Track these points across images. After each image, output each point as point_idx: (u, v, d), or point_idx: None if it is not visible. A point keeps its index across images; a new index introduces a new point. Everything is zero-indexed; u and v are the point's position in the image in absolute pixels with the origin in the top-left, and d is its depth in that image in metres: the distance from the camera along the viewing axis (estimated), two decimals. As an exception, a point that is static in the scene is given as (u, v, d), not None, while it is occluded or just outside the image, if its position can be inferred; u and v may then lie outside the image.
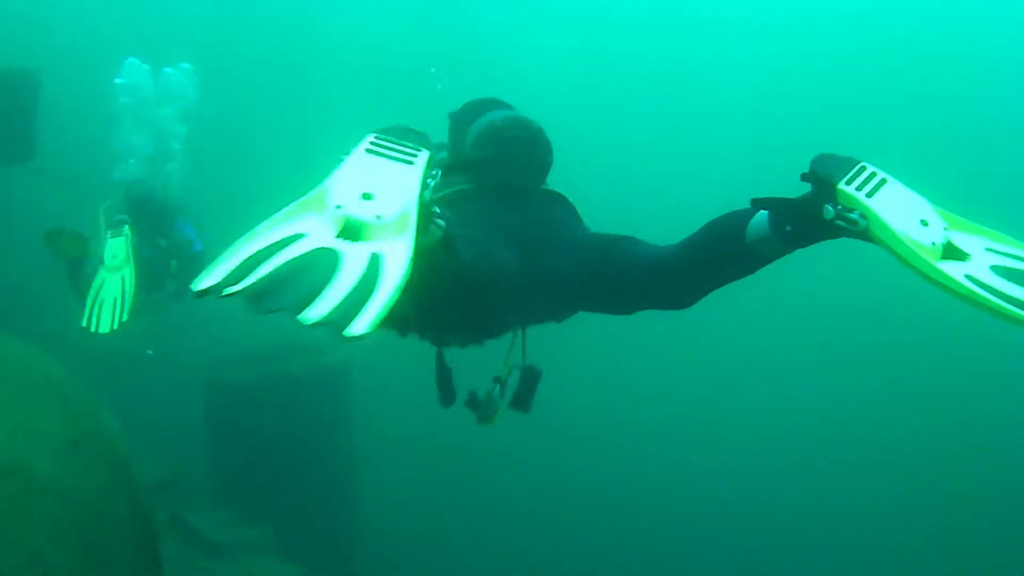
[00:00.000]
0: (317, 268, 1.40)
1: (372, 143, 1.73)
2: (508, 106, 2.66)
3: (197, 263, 5.41)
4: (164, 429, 10.28)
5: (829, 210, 1.72)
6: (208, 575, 5.81)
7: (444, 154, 2.65)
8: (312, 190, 1.58)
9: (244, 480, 8.06)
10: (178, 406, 10.24)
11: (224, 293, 1.34)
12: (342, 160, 1.68)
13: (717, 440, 13.31)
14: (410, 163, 1.69)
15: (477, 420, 2.59)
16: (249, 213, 1.70)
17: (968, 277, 1.64)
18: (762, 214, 1.88)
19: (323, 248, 1.45)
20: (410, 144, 1.75)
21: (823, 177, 1.75)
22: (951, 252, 1.68)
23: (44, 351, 2.92)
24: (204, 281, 1.36)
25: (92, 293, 4.64)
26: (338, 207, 1.53)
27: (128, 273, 4.68)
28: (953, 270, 1.65)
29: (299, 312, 1.31)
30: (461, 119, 2.66)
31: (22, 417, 2.40)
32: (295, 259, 1.42)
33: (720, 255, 2.00)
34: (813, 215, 1.75)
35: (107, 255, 4.78)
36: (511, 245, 2.29)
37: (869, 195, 1.71)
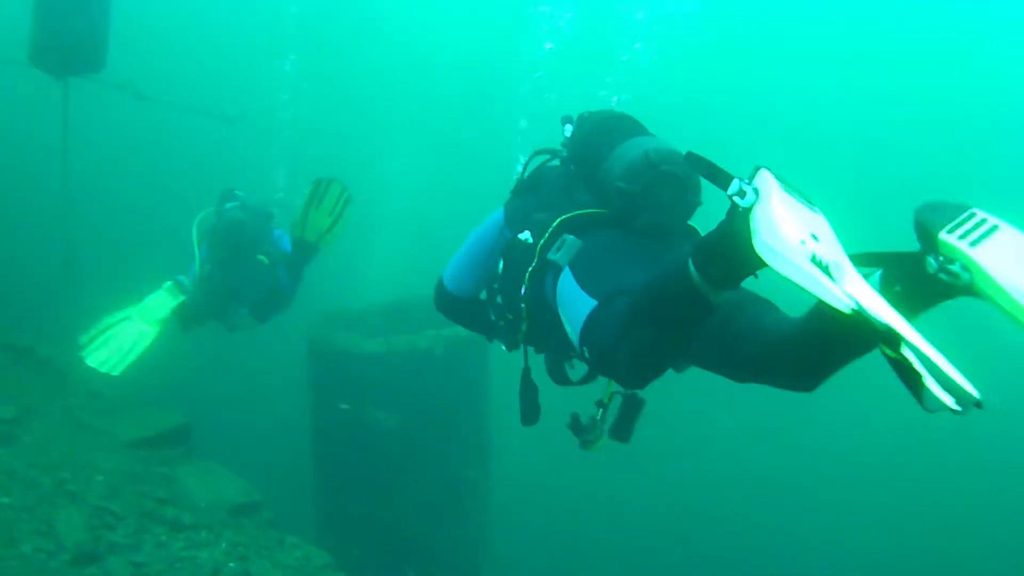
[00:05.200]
0: None
1: (782, 181, 1.58)
2: (645, 129, 2.50)
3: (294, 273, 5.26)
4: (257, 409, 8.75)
5: (931, 263, 1.53)
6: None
7: (556, 161, 2.67)
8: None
9: (353, 499, 6.19)
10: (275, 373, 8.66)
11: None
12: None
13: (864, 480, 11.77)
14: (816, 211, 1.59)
15: (579, 445, 2.58)
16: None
17: None
18: (875, 277, 1.67)
19: None
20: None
21: (925, 226, 1.57)
22: None
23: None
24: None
25: (107, 323, 4.72)
26: (803, 242, 1.48)
27: (150, 335, 4.73)
28: None
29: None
30: (596, 136, 2.50)
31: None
32: None
33: (835, 332, 1.67)
34: (916, 270, 1.57)
35: (146, 305, 4.83)
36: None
37: (973, 244, 1.50)
